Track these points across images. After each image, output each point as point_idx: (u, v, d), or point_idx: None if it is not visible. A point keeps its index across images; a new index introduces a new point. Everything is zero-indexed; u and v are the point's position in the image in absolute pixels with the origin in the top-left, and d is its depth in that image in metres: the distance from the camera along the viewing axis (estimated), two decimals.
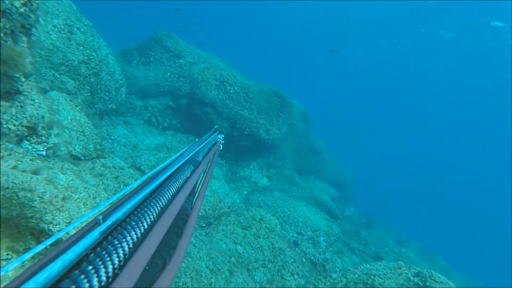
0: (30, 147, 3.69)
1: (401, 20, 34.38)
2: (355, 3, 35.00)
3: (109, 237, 0.70)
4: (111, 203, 0.82)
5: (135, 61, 10.99)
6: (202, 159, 1.57)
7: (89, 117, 5.50)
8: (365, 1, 33.67)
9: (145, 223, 0.80)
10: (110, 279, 0.60)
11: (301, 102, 15.57)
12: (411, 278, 5.05)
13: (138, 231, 0.76)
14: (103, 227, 0.69)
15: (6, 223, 2.77)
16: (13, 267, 0.48)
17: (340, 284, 5.42)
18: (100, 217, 0.71)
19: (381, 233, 13.58)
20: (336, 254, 8.57)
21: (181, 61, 11.08)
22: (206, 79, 10.51)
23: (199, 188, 1.42)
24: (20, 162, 3.19)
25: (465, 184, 54.11)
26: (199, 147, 1.64)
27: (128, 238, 0.71)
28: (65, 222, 2.93)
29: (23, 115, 3.56)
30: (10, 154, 3.25)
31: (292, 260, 6.47)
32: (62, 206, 3.01)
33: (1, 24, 3.18)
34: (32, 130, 3.70)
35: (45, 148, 3.71)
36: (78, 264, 0.58)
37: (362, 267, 5.87)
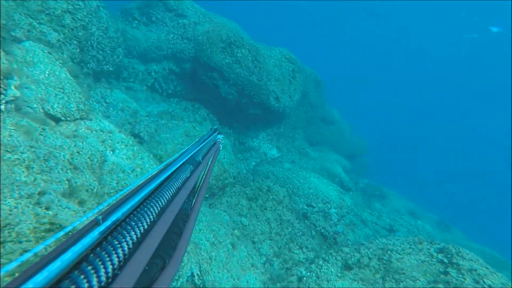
0: None
1: None
2: None
3: (109, 237, 0.69)
4: (111, 203, 0.83)
5: (136, 22, 10.21)
6: (202, 159, 1.58)
7: (79, 77, 4.97)
8: None
9: (144, 223, 0.80)
10: (110, 279, 0.60)
11: (315, 69, 14.50)
12: (434, 254, 4.55)
13: (138, 231, 0.76)
14: (102, 227, 0.68)
15: None
16: (13, 267, 0.48)
17: (352, 259, 5.00)
18: (100, 217, 0.70)
19: (395, 205, 13.11)
20: (348, 226, 8.17)
21: (184, 21, 10.21)
22: (211, 41, 9.69)
23: (199, 188, 1.42)
24: None
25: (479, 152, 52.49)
26: (199, 147, 1.64)
27: (128, 238, 0.71)
28: None
29: None
30: None
31: (301, 233, 6.08)
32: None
33: None
34: None
35: (3, 101, 3.21)
36: (77, 265, 0.58)
37: (377, 241, 5.40)
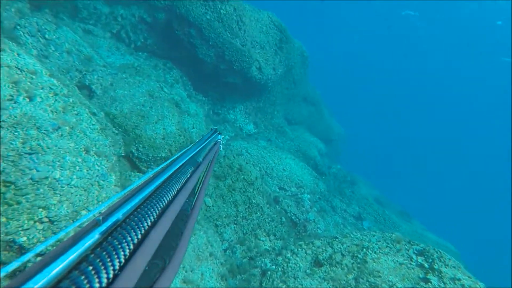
0: None
1: None
2: None
3: (109, 237, 0.68)
4: (111, 204, 0.81)
5: None
6: (202, 160, 1.56)
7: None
8: None
9: (145, 224, 0.79)
10: (110, 280, 0.59)
11: (303, 43, 13.50)
12: (413, 256, 4.14)
13: (139, 231, 0.74)
14: (103, 227, 0.67)
15: None
16: (13, 268, 0.47)
17: (324, 254, 4.50)
18: (100, 218, 0.69)
19: (364, 193, 13.09)
20: (319, 213, 7.77)
21: None
22: None
23: (199, 189, 1.39)
24: None
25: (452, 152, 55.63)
26: (200, 148, 1.62)
27: (128, 238, 0.70)
28: None
29: None
30: None
31: (270, 219, 5.49)
32: None
33: None
34: None
35: None
36: (78, 265, 0.57)
37: (352, 236, 4.94)
